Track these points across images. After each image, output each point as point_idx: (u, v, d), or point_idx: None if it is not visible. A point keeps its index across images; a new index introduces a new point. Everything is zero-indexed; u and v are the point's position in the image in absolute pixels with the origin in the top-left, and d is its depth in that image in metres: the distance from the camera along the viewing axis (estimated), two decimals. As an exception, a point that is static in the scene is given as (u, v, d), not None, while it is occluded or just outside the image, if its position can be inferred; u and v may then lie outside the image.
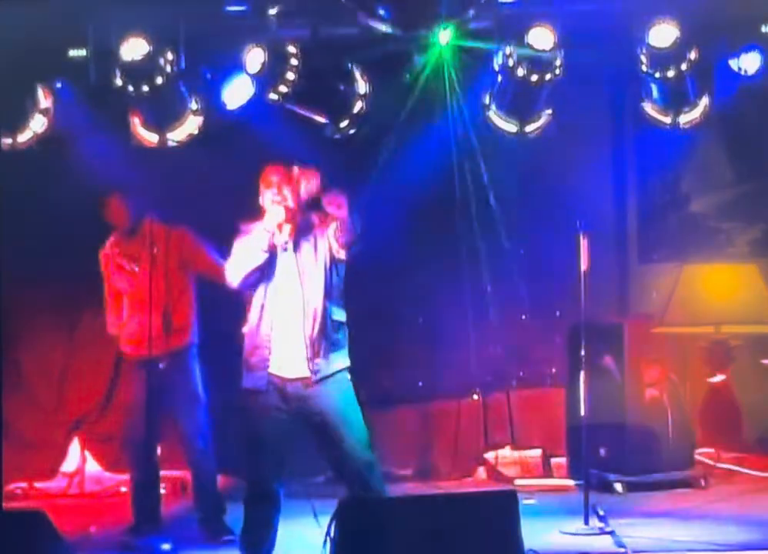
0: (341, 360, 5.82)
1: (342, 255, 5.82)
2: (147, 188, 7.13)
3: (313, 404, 5.72)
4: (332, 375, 5.76)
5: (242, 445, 5.87)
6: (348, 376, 5.83)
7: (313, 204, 5.85)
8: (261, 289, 5.80)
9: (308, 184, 5.82)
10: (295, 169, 5.84)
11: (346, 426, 5.70)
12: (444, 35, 7.21)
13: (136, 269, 6.82)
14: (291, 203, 5.81)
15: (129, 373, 7.00)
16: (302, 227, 5.86)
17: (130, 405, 6.90)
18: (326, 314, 5.77)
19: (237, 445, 7.34)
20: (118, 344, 7.06)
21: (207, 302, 7.08)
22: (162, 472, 7.24)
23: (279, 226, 5.81)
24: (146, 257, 6.85)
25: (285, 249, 5.84)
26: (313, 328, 5.73)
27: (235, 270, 5.81)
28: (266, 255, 5.76)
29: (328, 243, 5.82)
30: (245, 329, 5.84)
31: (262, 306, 5.79)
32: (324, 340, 5.75)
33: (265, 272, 5.79)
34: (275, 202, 5.80)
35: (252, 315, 5.81)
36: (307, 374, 5.72)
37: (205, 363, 7.04)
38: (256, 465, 5.79)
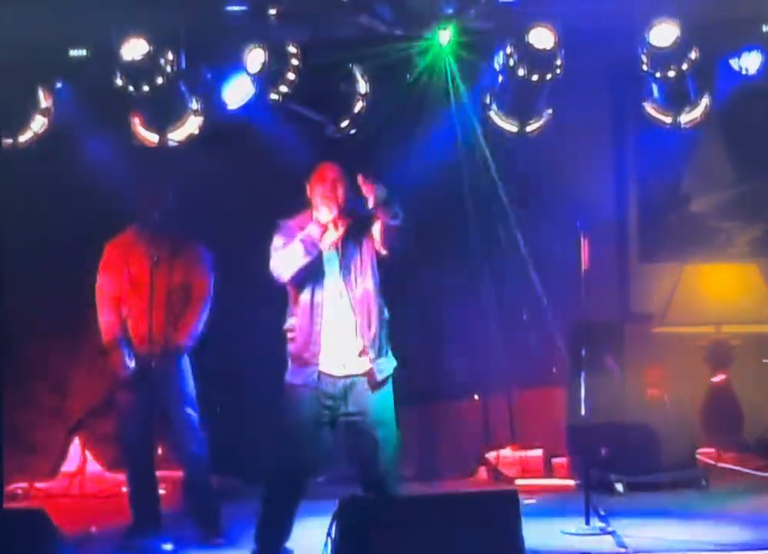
0: (392, 361, 5.92)
1: (384, 254, 5.88)
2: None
3: (355, 403, 5.80)
4: (387, 377, 5.85)
5: (279, 438, 5.93)
6: (391, 379, 5.91)
7: (361, 204, 5.87)
8: (309, 286, 5.85)
9: (369, 194, 5.80)
10: (360, 177, 5.83)
11: (384, 428, 5.80)
12: (444, 35, 7.21)
13: (156, 259, 6.77)
14: (342, 202, 5.87)
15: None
16: (350, 225, 5.91)
17: (125, 405, 6.85)
18: (379, 312, 5.85)
19: (234, 446, 7.40)
20: (116, 321, 6.89)
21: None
22: (162, 472, 7.23)
23: (334, 223, 5.87)
24: (163, 254, 6.80)
25: (335, 247, 5.88)
26: (369, 327, 5.80)
27: (286, 265, 5.85)
28: (318, 251, 5.82)
29: (373, 242, 5.87)
30: (291, 325, 5.90)
31: (312, 303, 5.83)
32: (380, 339, 5.85)
33: (314, 268, 5.84)
34: (328, 199, 5.86)
35: (301, 312, 5.85)
36: (361, 371, 5.80)
37: (203, 364, 7.03)
38: (295, 457, 5.83)
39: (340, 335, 5.84)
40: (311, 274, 5.86)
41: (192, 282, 6.89)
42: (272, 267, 5.93)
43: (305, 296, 5.86)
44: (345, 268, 5.87)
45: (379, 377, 5.84)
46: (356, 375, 5.83)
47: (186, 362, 6.91)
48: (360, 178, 5.75)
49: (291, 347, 5.91)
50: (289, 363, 5.93)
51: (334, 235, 5.90)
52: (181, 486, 7.11)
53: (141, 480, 6.90)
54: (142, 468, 6.90)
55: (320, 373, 5.81)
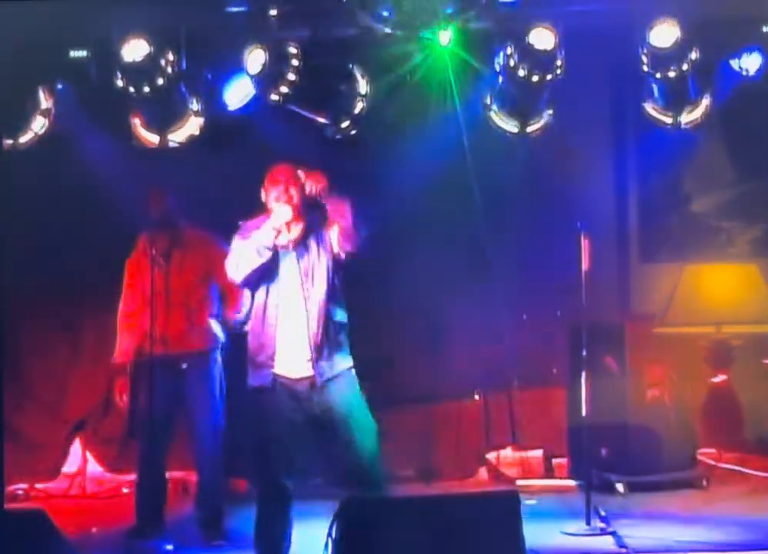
0: (344, 360, 5.86)
1: (343, 257, 5.84)
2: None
3: (319, 402, 5.78)
4: (337, 375, 5.80)
5: (251, 444, 5.90)
6: (353, 373, 5.87)
7: (317, 206, 5.86)
8: (263, 288, 5.82)
9: (314, 186, 5.84)
10: (301, 172, 5.86)
11: (353, 423, 5.77)
12: (445, 36, 7.20)
13: (162, 262, 6.77)
14: (297, 203, 5.82)
15: (147, 372, 6.86)
16: (306, 228, 5.87)
17: (145, 404, 6.82)
18: (329, 315, 5.81)
19: (244, 447, 7.37)
20: (133, 342, 6.91)
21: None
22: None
23: (287, 225, 5.82)
24: (173, 253, 6.81)
25: (290, 249, 5.86)
26: (318, 330, 5.76)
27: (238, 267, 5.83)
28: (271, 253, 5.78)
29: (330, 245, 5.84)
30: (248, 327, 5.87)
31: (265, 305, 5.82)
32: (327, 342, 5.80)
33: (268, 271, 5.80)
34: (281, 201, 5.81)
35: (256, 314, 5.83)
36: (311, 374, 5.75)
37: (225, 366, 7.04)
38: (266, 462, 5.83)
39: (294, 337, 5.79)
40: (265, 275, 5.82)
41: (213, 270, 6.80)
42: (226, 267, 5.91)
43: (259, 298, 5.84)
44: (300, 270, 5.82)
45: (329, 376, 5.78)
46: (311, 377, 5.78)
47: (214, 360, 6.91)
48: (303, 173, 5.74)
49: (248, 349, 5.88)
50: (248, 366, 5.89)
51: (286, 237, 5.85)
52: (195, 485, 7.16)
53: (152, 482, 6.89)
54: (155, 470, 6.90)
55: (275, 375, 5.78)
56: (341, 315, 5.88)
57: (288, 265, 5.85)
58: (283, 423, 5.78)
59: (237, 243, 5.90)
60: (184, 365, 6.81)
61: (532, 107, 7.53)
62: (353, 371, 5.88)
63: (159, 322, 6.74)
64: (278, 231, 5.81)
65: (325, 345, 5.78)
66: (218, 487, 6.96)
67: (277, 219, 5.80)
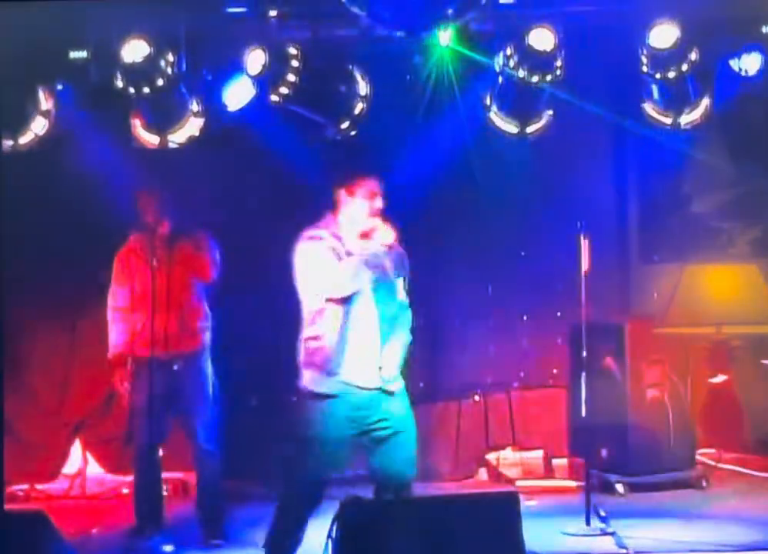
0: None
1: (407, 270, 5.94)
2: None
3: (379, 413, 5.78)
4: (399, 389, 5.87)
5: (299, 448, 5.88)
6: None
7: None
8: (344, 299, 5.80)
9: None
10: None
11: (405, 436, 5.79)
12: (444, 36, 7.21)
13: (155, 264, 6.79)
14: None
15: (140, 374, 6.89)
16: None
17: (139, 405, 6.85)
18: (399, 328, 5.86)
19: (244, 449, 7.38)
20: (125, 344, 6.96)
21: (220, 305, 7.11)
22: (165, 474, 7.24)
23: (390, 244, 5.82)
24: (163, 255, 6.83)
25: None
26: (389, 341, 5.81)
27: (345, 284, 5.74)
28: (375, 272, 5.78)
29: (395, 262, 5.89)
30: (313, 333, 5.79)
31: (340, 314, 5.76)
32: (394, 356, 5.84)
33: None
34: (376, 216, 5.81)
35: (326, 322, 5.77)
36: (379, 384, 5.79)
37: (218, 366, 7.05)
38: (316, 467, 5.79)
39: (363, 348, 5.78)
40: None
41: (194, 266, 6.87)
42: (323, 282, 5.75)
43: (332, 308, 5.77)
44: (376, 282, 5.82)
45: (395, 389, 5.84)
46: (377, 388, 5.79)
47: (207, 361, 6.94)
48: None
49: (313, 356, 5.82)
50: (309, 372, 5.84)
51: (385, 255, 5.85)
52: (194, 486, 7.16)
53: (149, 481, 6.92)
54: (151, 470, 6.93)
55: (345, 383, 5.77)
56: (407, 331, 5.92)
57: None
58: (339, 430, 5.76)
59: (328, 254, 5.77)
60: (176, 366, 6.82)
61: (532, 108, 7.53)
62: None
63: (151, 323, 6.75)
64: (389, 247, 5.80)
65: (392, 359, 5.83)
66: (216, 486, 6.96)
67: (387, 237, 5.78)
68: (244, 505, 7.40)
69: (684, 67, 7.08)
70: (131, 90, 7.02)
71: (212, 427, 6.89)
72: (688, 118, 7.47)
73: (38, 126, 7.41)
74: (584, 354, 7.17)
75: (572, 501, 7.54)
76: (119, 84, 7.03)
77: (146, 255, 6.85)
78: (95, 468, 8.60)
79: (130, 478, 7.32)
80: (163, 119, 7.42)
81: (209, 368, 6.95)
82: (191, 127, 7.41)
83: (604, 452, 7.91)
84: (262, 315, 8.05)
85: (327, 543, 5.07)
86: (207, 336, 6.98)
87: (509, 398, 8.70)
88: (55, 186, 8.12)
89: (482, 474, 8.68)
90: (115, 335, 6.96)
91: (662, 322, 8.61)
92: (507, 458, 8.70)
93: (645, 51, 7.07)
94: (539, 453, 8.71)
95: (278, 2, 7.11)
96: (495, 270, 8.64)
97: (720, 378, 8.90)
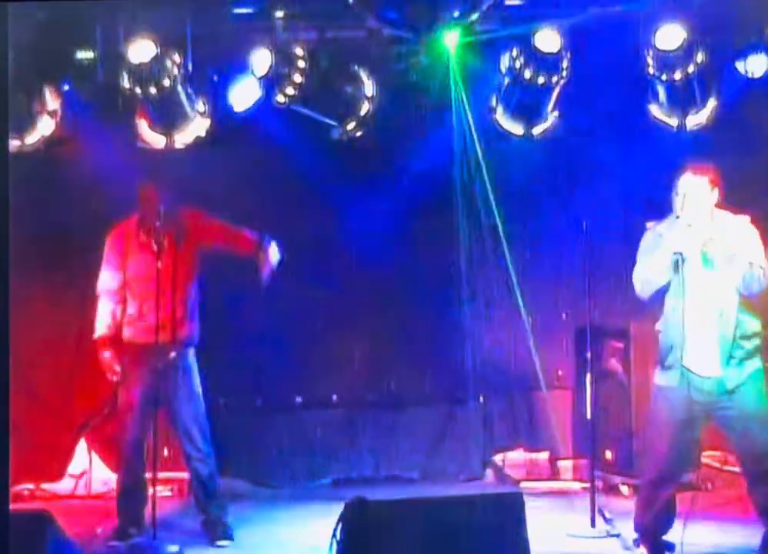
0: (752, 365, 5.95)
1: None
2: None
3: (726, 400, 5.88)
4: (745, 381, 5.91)
5: (653, 437, 6.16)
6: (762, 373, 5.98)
7: None
8: (676, 287, 5.92)
9: None
10: None
11: (757, 423, 5.90)
12: (451, 37, 7.21)
13: (155, 248, 6.71)
14: None
15: (132, 365, 6.84)
16: None
17: (131, 402, 6.81)
18: (742, 317, 5.90)
19: (241, 447, 7.35)
20: (111, 327, 6.88)
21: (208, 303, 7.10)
22: (169, 474, 7.23)
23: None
24: (162, 240, 6.72)
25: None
26: (730, 331, 5.87)
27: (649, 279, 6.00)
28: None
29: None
30: (660, 327, 5.99)
31: (677, 304, 5.89)
32: (738, 347, 5.89)
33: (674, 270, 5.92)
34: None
35: (669, 313, 5.94)
36: (720, 374, 5.86)
37: (207, 364, 7.03)
38: (668, 455, 5.98)
39: (703, 339, 5.87)
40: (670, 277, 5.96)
41: (203, 233, 6.83)
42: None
43: (672, 298, 5.93)
44: (709, 270, 5.92)
45: (737, 381, 5.89)
46: (720, 377, 5.87)
47: (192, 356, 6.87)
48: None
49: (660, 349, 6.01)
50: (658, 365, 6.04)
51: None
52: (188, 485, 7.12)
53: (133, 479, 6.85)
54: (136, 467, 6.84)
55: (684, 372, 5.86)
56: (753, 322, 5.96)
57: (695, 262, 5.93)
58: (684, 419, 5.91)
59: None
60: (172, 354, 6.72)
61: (538, 109, 7.54)
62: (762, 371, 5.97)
63: (149, 315, 6.70)
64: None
65: (736, 350, 5.88)
66: (213, 484, 6.88)
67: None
68: (244, 505, 7.40)
69: (690, 68, 7.09)
70: (138, 90, 7.04)
71: (202, 426, 6.81)
72: (694, 120, 7.47)
73: (45, 126, 7.42)
74: (589, 355, 7.16)
75: (577, 502, 7.53)
76: (126, 84, 7.05)
77: (144, 239, 6.77)
78: (100, 468, 8.59)
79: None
80: (169, 120, 7.43)
81: (195, 365, 6.85)
82: (197, 127, 7.43)
83: (609, 454, 7.90)
84: (263, 314, 8.03)
85: (332, 544, 5.07)
86: (196, 332, 6.87)
87: (513, 399, 8.69)
88: (62, 186, 8.12)
89: (488, 475, 8.67)
90: (99, 317, 6.86)
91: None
92: (512, 460, 8.69)
93: (651, 53, 7.08)
94: (545, 454, 8.70)
95: (285, 3, 7.12)
96: (500, 271, 8.62)
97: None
